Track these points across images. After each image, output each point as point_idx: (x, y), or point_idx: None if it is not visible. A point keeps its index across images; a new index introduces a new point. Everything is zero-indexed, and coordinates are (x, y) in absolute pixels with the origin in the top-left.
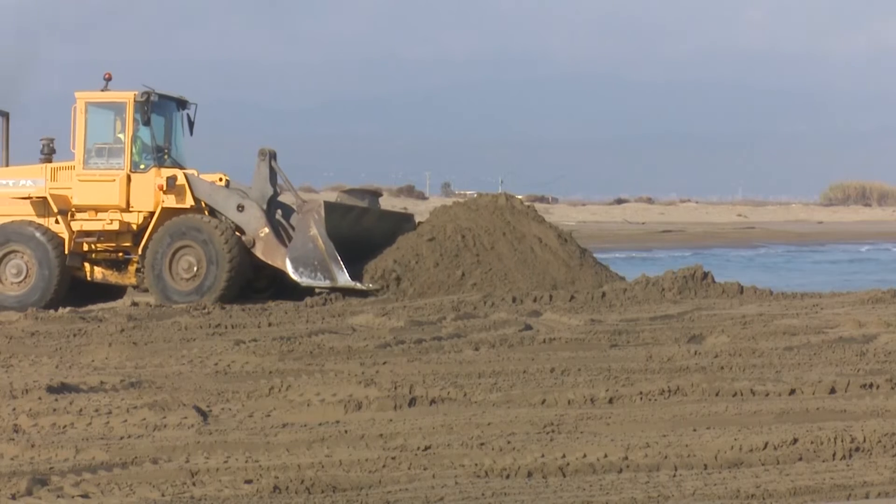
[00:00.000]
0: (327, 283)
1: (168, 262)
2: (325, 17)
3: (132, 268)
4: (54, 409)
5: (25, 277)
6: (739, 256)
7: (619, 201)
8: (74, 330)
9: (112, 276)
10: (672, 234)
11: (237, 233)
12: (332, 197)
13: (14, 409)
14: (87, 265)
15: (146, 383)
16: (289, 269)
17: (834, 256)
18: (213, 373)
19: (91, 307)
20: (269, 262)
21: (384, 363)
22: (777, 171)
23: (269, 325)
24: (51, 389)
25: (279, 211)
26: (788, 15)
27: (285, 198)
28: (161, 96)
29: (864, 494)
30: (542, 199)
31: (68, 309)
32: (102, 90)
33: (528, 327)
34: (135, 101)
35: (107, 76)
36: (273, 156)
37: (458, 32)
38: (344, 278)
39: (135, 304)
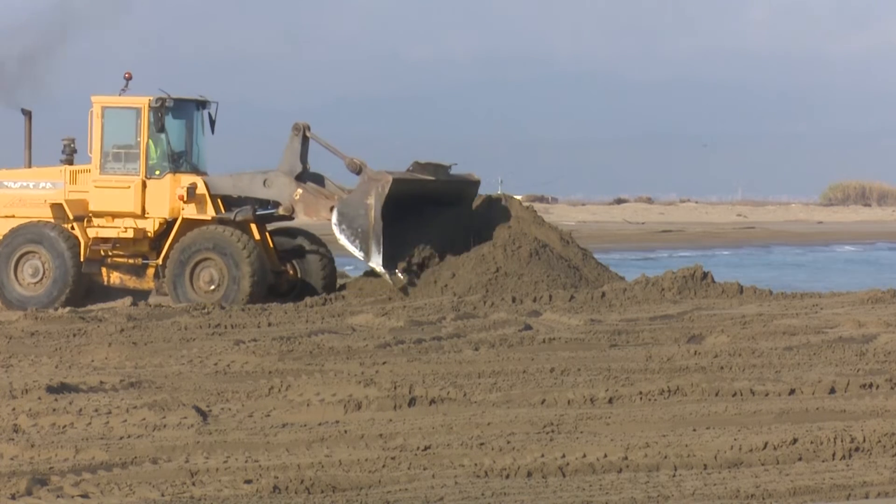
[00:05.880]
0: (360, 256)
1: (189, 275)
2: (326, 17)
3: (150, 272)
4: (54, 409)
5: (42, 278)
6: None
7: (619, 201)
8: (74, 330)
9: (130, 281)
10: (672, 234)
11: (277, 207)
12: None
13: (14, 409)
14: (104, 270)
15: (146, 383)
16: (333, 218)
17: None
18: (213, 373)
19: (91, 307)
20: (315, 219)
21: (384, 363)
22: (777, 171)
23: (269, 325)
24: (51, 389)
25: (309, 183)
26: (790, 15)
27: (334, 164)
28: (177, 100)
29: (863, 494)
30: (542, 199)
31: (68, 309)
32: (123, 89)
33: (528, 327)
34: (149, 107)
35: (127, 76)
36: (307, 128)
37: (459, 32)
38: (377, 261)
39: (134, 303)
